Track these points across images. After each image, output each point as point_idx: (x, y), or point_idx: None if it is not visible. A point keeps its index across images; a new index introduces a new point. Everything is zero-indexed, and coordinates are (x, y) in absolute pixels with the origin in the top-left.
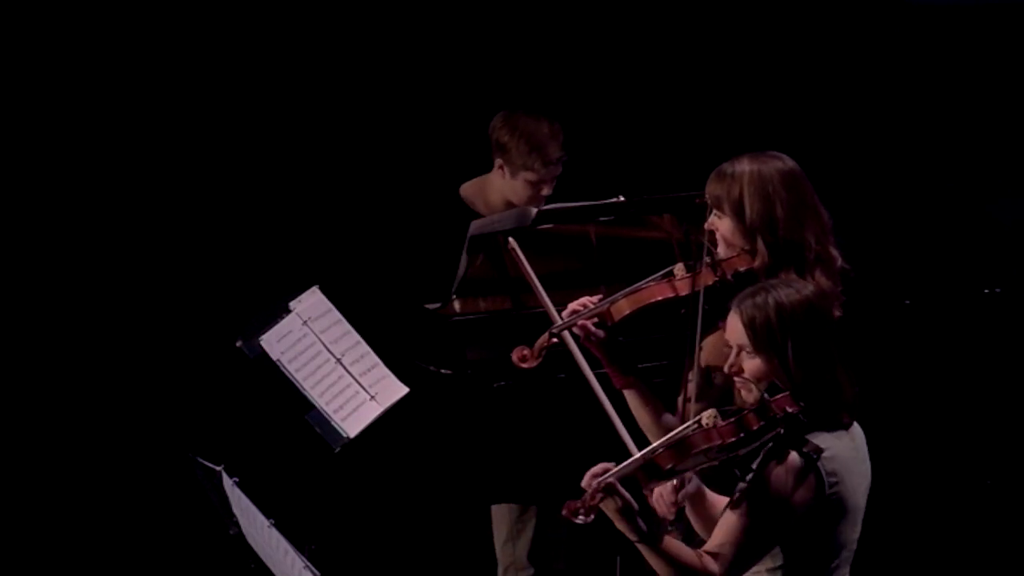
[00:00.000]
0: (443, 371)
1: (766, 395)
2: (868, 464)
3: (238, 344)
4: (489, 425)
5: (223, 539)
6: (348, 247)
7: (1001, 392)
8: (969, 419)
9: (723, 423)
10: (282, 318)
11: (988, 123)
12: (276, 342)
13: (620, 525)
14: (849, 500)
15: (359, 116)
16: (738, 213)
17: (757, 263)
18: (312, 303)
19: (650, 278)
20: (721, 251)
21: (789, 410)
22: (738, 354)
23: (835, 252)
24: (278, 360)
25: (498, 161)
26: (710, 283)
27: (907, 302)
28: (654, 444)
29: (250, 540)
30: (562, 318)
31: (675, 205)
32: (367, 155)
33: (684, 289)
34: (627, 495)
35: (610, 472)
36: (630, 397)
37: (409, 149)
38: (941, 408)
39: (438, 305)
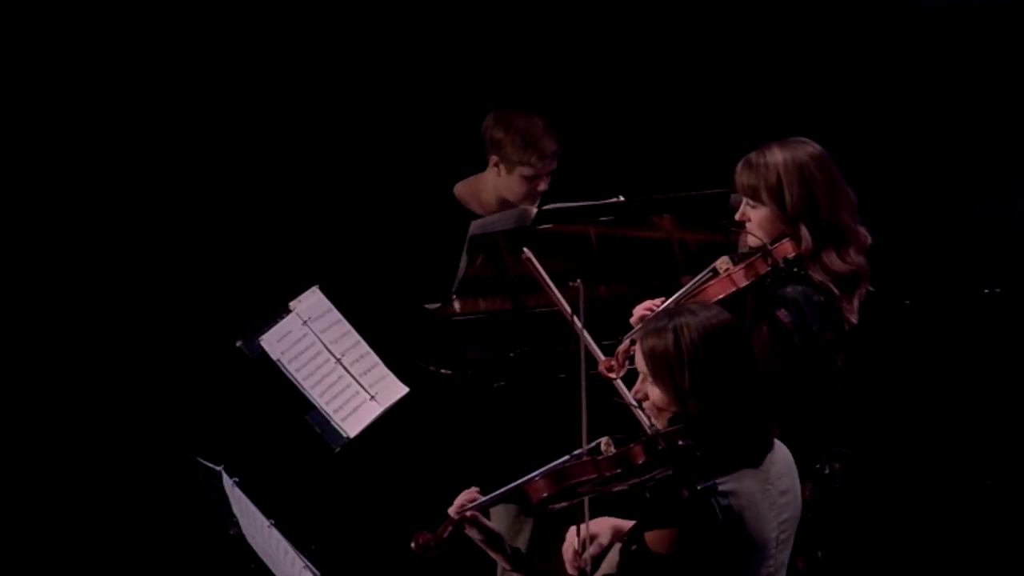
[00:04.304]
0: (443, 371)
1: (656, 428)
2: (790, 495)
3: (238, 344)
4: (489, 425)
5: (223, 539)
6: (348, 247)
7: (1001, 392)
8: (969, 419)
9: (604, 456)
10: (282, 318)
11: (989, 123)
12: (276, 342)
13: (490, 553)
14: (754, 535)
15: (358, 116)
16: (778, 201)
17: (803, 248)
18: (312, 303)
19: (702, 276)
20: (761, 239)
21: (680, 444)
22: (643, 381)
23: (864, 230)
24: (278, 360)
25: (493, 159)
26: (764, 272)
27: (907, 302)
28: (531, 474)
29: (250, 540)
30: (630, 324)
31: (676, 205)
32: (366, 155)
33: (742, 281)
34: (490, 525)
35: (474, 503)
36: None
37: (405, 149)
38: (941, 408)
39: (438, 305)
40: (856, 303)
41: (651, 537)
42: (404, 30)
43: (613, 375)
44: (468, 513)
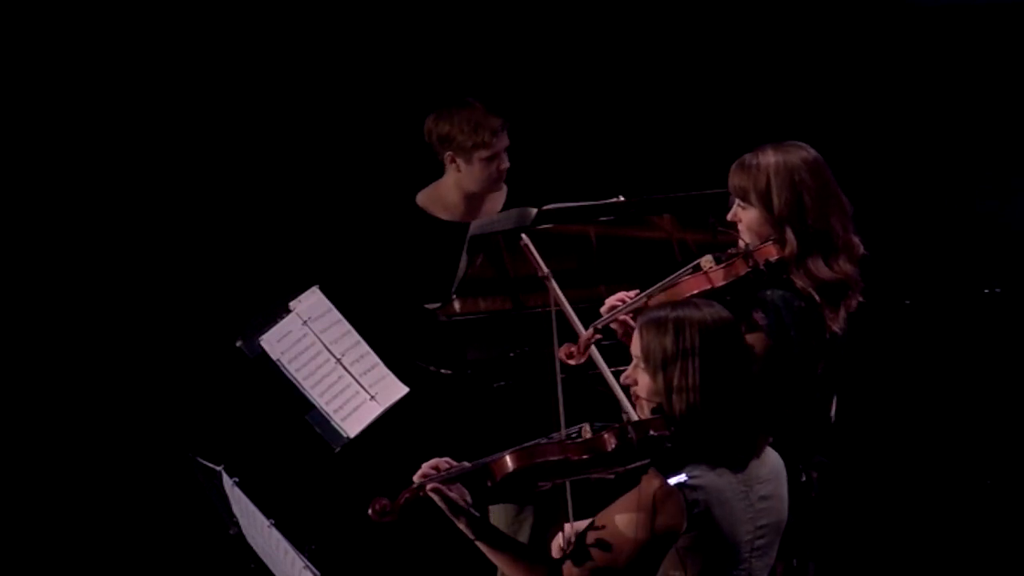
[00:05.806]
0: (443, 371)
1: (631, 417)
2: (772, 501)
3: (238, 344)
4: (489, 425)
5: (223, 539)
6: (348, 247)
7: (1001, 392)
8: (969, 419)
9: (575, 441)
10: (282, 318)
11: (989, 123)
12: (276, 342)
13: (453, 520)
14: (725, 534)
15: (359, 116)
16: (766, 203)
17: (787, 252)
18: (312, 303)
19: (680, 272)
20: (748, 241)
21: (652, 435)
22: (635, 367)
23: (856, 239)
24: (278, 360)
25: (448, 155)
26: (743, 273)
27: (907, 302)
28: (501, 452)
29: (250, 540)
30: (600, 314)
31: (675, 205)
32: (367, 155)
33: (719, 280)
34: (452, 495)
35: (438, 475)
36: None
37: (368, 162)
38: (941, 408)
39: (438, 305)
40: (842, 312)
41: (609, 525)
42: (407, 26)
43: (572, 362)
44: (430, 485)
